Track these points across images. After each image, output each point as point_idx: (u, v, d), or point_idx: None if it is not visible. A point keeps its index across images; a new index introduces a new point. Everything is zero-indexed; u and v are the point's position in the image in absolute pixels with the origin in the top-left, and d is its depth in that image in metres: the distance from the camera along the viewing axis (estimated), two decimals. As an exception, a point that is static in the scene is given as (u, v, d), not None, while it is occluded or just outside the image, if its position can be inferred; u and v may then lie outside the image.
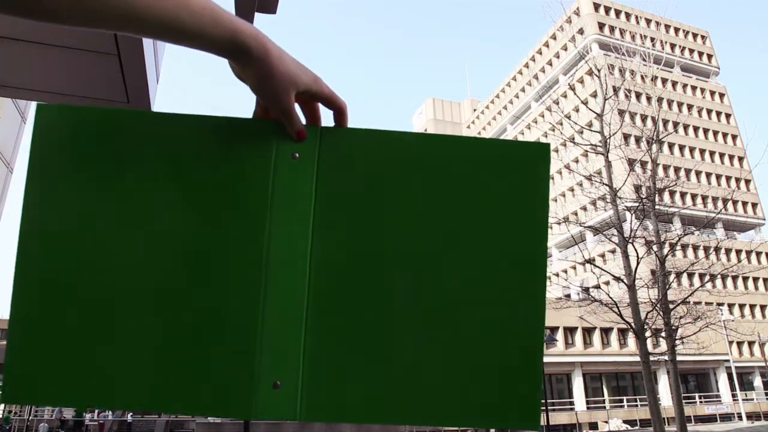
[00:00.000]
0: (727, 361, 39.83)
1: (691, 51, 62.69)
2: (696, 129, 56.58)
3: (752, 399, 42.35)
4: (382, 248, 0.62)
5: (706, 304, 38.92)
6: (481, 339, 0.61)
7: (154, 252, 0.61)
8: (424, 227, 0.63)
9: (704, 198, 36.36)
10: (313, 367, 0.59)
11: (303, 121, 0.65)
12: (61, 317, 0.59)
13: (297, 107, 0.64)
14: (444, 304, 0.61)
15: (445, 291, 0.61)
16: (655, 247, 15.37)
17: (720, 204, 34.11)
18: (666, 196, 22.21)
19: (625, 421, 34.52)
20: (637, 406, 36.80)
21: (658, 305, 14.54)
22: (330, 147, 0.64)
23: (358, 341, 0.60)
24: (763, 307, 49.86)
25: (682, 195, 48.45)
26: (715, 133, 57.85)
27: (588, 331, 37.41)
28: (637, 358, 14.93)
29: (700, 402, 39.83)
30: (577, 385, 37.07)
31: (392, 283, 0.61)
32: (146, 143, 0.63)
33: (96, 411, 30.13)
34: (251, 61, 0.59)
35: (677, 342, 14.71)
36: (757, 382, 44.44)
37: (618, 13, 59.62)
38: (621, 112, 18.31)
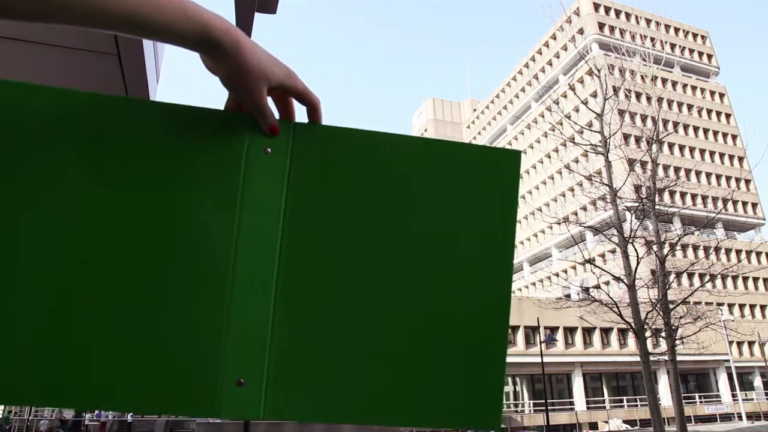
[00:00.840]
0: (727, 361, 39.82)
1: (691, 51, 62.68)
2: (696, 129, 56.56)
3: (752, 399, 42.35)
4: (352, 247, 0.62)
5: (706, 304, 38.90)
6: (447, 339, 0.61)
7: (110, 244, 0.58)
8: (394, 227, 0.62)
9: (704, 198, 36.37)
10: (279, 366, 0.58)
11: (276, 116, 0.64)
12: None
13: (271, 102, 0.63)
14: (412, 304, 0.61)
15: (413, 291, 0.61)
16: (655, 247, 15.37)
17: (720, 204, 34.08)
18: (666, 196, 22.18)
19: (625, 421, 34.52)
20: (637, 406, 36.80)
21: (658, 305, 14.54)
22: (303, 143, 0.63)
23: (325, 340, 0.59)
24: (763, 307, 49.85)
25: (682, 195, 48.44)
26: (715, 133, 57.83)
27: (588, 331, 37.41)
28: (637, 358, 14.92)
29: (700, 402, 39.82)
30: (577, 385, 37.06)
31: (361, 282, 0.61)
32: (106, 130, 0.60)
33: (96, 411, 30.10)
34: (223, 56, 0.57)
35: (677, 342, 14.71)
36: (757, 382, 44.42)
37: (618, 13, 59.61)
38: (621, 112, 18.32)
